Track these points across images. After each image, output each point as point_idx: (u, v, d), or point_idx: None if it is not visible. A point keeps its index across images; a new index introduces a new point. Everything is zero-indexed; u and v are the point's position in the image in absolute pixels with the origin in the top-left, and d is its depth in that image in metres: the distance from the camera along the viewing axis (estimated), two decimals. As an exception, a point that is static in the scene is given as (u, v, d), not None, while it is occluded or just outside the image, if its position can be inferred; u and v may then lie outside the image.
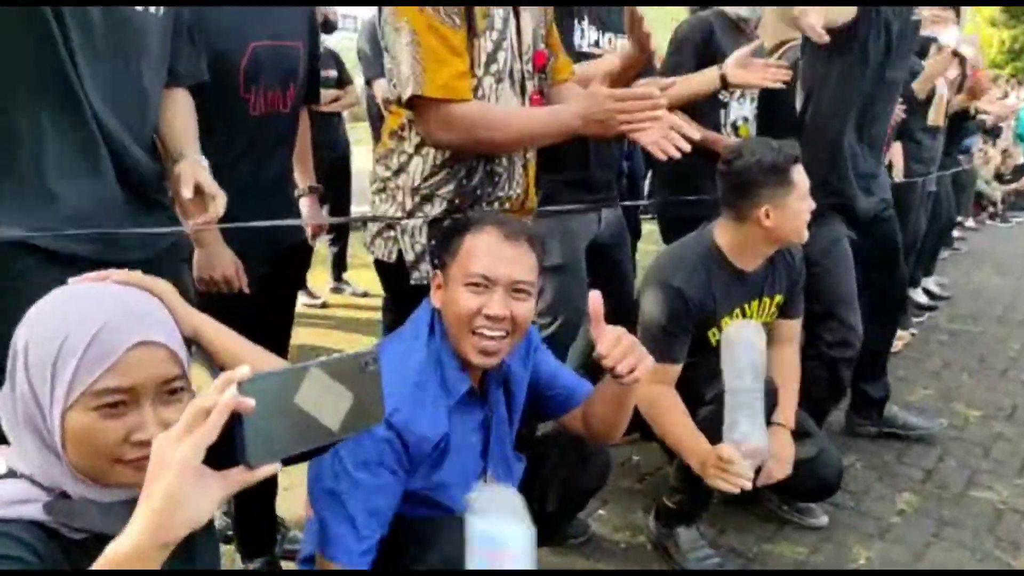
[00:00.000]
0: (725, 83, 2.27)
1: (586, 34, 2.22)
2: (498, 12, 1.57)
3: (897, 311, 2.88)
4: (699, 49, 2.47)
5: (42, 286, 0.96)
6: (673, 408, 1.92)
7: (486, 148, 1.60)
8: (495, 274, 1.35)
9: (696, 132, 1.45)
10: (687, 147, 1.43)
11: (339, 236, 4.76)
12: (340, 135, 4.49)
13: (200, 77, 1.56)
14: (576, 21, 2.19)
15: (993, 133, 9.03)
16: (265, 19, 1.75)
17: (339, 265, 4.82)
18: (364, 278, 4.57)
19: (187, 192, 1.31)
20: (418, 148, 1.63)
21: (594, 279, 2.50)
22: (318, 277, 4.73)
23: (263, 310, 1.79)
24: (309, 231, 2.16)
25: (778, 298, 2.16)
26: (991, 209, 8.38)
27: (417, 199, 1.64)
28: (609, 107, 1.45)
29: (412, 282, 1.66)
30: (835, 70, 2.37)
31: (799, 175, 1.96)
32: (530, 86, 1.69)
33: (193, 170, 1.35)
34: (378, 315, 3.45)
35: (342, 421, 0.81)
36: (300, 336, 3.39)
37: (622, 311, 2.49)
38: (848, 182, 2.46)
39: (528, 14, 1.66)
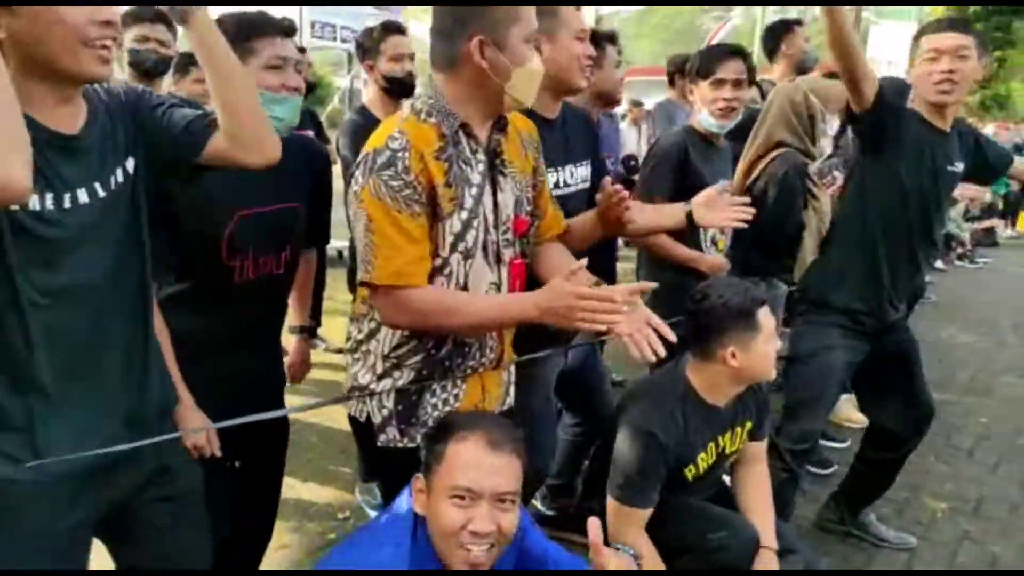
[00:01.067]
0: (691, 221, 2.26)
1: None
2: (469, 191, 1.56)
3: (915, 432, 2.70)
4: (675, 170, 2.51)
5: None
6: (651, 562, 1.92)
7: (441, 332, 1.60)
8: (480, 487, 1.34)
9: (673, 335, 1.44)
10: (663, 352, 1.42)
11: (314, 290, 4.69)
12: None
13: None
14: None
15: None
16: (257, 186, 1.70)
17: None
18: (338, 331, 4.51)
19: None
20: None
21: (571, 403, 2.52)
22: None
23: (247, 478, 1.81)
24: (288, 373, 2.14)
25: (748, 424, 2.18)
26: (959, 250, 8.54)
27: (387, 365, 1.64)
28: (571, 303, 1.42)
29: (379, 444, 1.66)
30: (860, 168, 2.55)
31: (765, 317, 1.97)
32: (509, 253, 1.67)
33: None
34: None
35: None
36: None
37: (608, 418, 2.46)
38: (872, 290, 2.54)
39: (510, 184, 1.65)
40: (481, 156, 1.59)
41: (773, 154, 2.86)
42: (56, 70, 1.19)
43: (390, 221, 1.46)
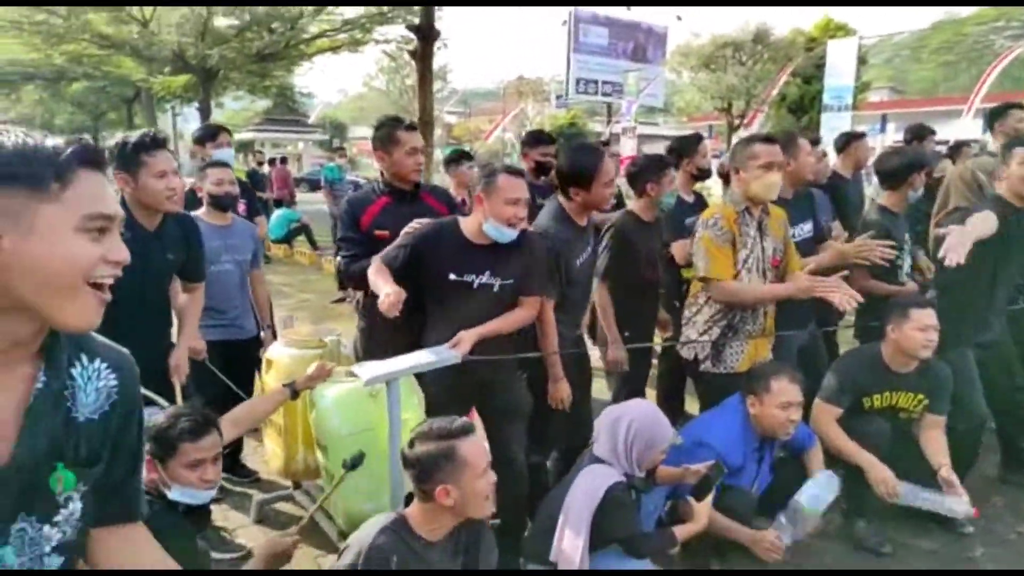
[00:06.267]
0: None
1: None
2: (749, 238, 3.27)
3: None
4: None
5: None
6: (840, 436, 3.33)
7: (739, 305, 3.29)
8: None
9: (859, 297, 3.02)
10: (855, 304, 2.98)
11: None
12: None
13: None
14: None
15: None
16: None
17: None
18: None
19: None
20: (707, 300, 3.36)
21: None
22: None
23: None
24: None
25: (920, 397, 3.43)
26: None
27: (707, 326, 3.37)
28: (811, 284, 3.10)
29: (701, 370, 3.40)
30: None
31: (917, 313, 3.26)
32: (770, 275, 3.35)
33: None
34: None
35: None
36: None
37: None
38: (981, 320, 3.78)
39: (769, 240, 3.33)
40: (754, 224, 3.30)
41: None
42: None
43: (714, 246, 3.21)
